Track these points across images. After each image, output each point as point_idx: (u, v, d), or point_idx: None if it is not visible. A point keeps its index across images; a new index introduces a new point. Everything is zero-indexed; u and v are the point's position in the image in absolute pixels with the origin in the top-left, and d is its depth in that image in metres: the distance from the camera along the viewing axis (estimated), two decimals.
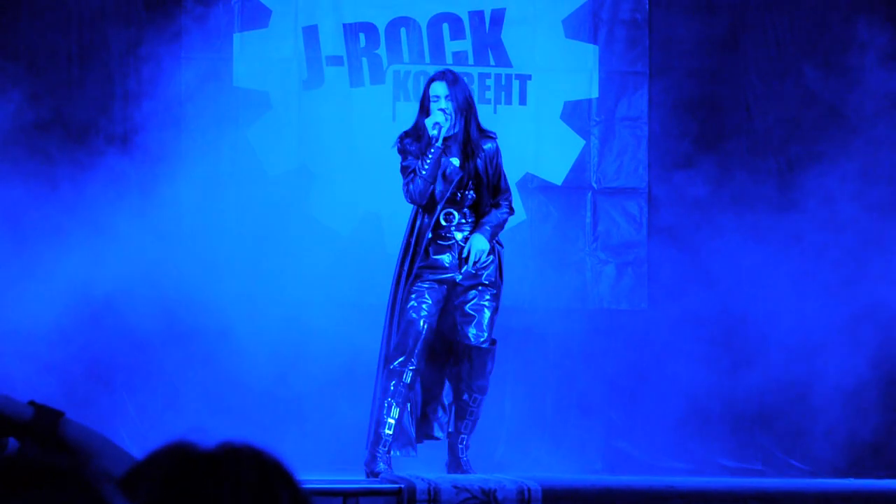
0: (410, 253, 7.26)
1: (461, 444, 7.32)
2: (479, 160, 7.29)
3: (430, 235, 7.25)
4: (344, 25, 8.89)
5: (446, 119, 7.17)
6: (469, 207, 7.34)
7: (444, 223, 7.29)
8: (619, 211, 9.04)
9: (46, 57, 8.60)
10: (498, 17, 9.05)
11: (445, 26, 8.95)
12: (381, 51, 8.90)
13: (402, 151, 7.28)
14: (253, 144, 8.71)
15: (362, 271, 8.51)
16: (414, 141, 7.28)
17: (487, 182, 7.31)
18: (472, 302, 7.31)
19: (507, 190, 7.42)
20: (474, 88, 8.47)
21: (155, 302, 8.19)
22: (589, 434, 8.66)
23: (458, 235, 7.31)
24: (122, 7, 8.63)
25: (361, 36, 8.89)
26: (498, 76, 9.02)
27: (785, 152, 9.00)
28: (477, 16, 9.03)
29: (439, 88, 7.25)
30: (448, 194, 7.24)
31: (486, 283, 7.32)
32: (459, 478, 6.81)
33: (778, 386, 8.75)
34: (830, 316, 8.58)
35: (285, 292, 8.48)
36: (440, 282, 7.29)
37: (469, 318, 7.29)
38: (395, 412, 7.20)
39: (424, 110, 7.29)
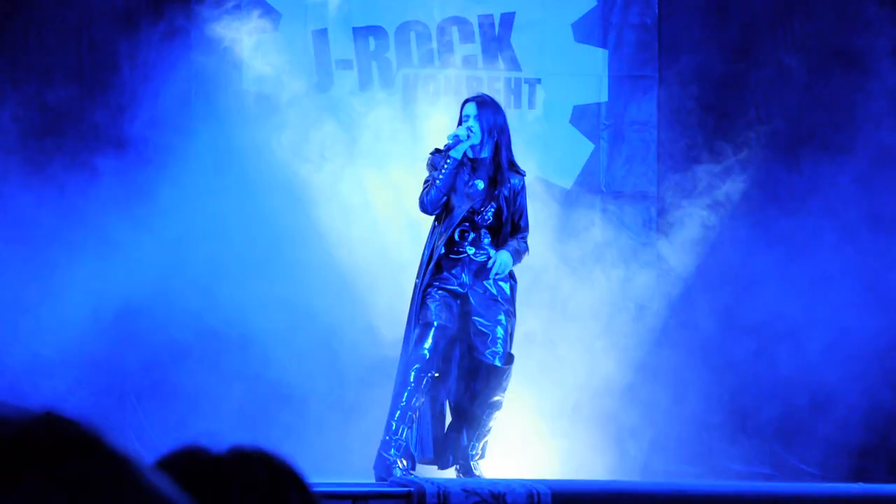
0: (425, 263, 7.31)
1: (472, 451, 7.33)
2: (504, 188, 7.34)
3: (443, 250, 7.30)
4: (353, 29, 8.89)
5: (467, 135, 7.25)
6: (485, 228, 7.37)
7: (457, 239, 7.34)
8: (628, 214, 9.03)
9: (54, 61, 8.61)
10: (507, 21, 9.05)
11: (455, 30, 8.95)
12: (391, 54, 8.91)
13: (430, 166, 7.38)
14: (262, 148, 8.71)
15: (370, 275, 8.51)
16: (441, 158, 7.36)
17: (509, 215, 7.36)
18: (486, 317, 7.32)
19: (527, 228, 7.48)
20: (482, 91, 8.47)
21: (165, 309, 8.19)
22: (599, 437, 8.65)
23: (471, 251, 7.34)
24: (131, 11, 8.63)
25: (371, 39, 8.89)
26: (507, 80, 9.02)
27: (795, 155, 8.99)
28: (486, 19, 9.04)
29: (469, 108, 7.39)
30: (465, 212, 7.29)
31: (501, 300, 7.34)
32: (469, 481, 6.81)
33: (789, 389, 8.74)
34: (842, 318, 8.57)
35: (292, 296, 8.47)
36: (453, 294, 7.32)
37: (483, 336, 7.31)
38: (407, 419, 7.21)
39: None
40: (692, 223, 8.82)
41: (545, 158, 8.87)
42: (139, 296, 8.11)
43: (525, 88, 9.04)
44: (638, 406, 8.74)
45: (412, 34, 8.94)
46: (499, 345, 7.30)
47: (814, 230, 8.71)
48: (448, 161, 7.25)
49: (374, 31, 8.90)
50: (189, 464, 1.47)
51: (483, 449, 7.35)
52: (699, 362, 8.63)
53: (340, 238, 8.64)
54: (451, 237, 7.33)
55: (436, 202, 7.27)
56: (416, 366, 7.20)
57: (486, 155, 7.36)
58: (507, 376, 7.32)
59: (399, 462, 7.19)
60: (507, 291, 7.39)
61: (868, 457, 8.71)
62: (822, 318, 8.60)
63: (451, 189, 7.26)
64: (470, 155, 7.35)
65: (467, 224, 7.34)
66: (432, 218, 7.41)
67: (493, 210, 7.36)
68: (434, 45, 8.96)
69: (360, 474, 7.34)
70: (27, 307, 8.15)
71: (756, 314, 8.73)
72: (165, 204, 8.31)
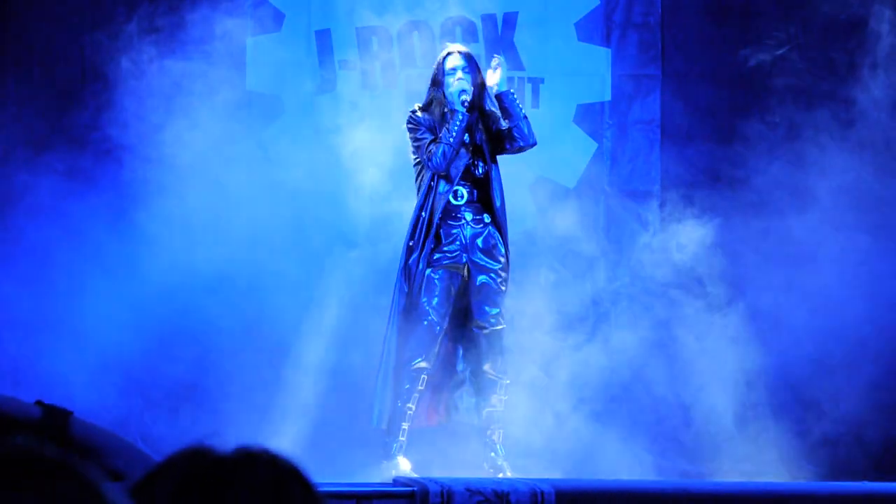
0: (423, 228, 7.25)
1: (496, 437, 7.33)
2: (489, 131, 7.35)
3: (440, 216, 7.26)
4: (356, 29, 8.90)
5: (470, 87, 7.25)
6: (479, 181, 7.34)
7: (454, 201, 7.31)
8: (632, 213, 9.03)
9: (56, 63, 8.62)
10: (510, 21, 9.05)
11: (458, 30, 8.95)
12: (394, 55, 8.91)
13: (414, 124, 7.31)
14: (265, 147, 8.72)
15: (377, 276, 8.51)
16: (427, 115, 7.31)
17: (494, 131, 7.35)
18: (484, 289, 7.30)
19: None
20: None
21: (174, 309, 8.21)
22: (604, 437, 8.65)
23: (468, 216, 7.32)
24: (134, 13, 8.64)
25: (374, 40, 8.89)
26: (510, 80, 9.02)
27: (800, 154, 8.98)
28: (489, 19, 9.04)
29: (458, 60, 7.32)
30: (463, 168, 7.27)
31: (496, 267, 7.32)
32: (472, 480, 6.81)
33: (797, 387, 8.75)
34: (853, 317, 8.58)
35: (297, 297, 8.47)
36: (450, 268, 7.28)
37: (481, 304, 7.29)
38: (408, 415, 7.23)
39: (438, 83, 7.34)
40: (696, 222, 8.81)
41: (549, 158, 8.86)
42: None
43: (528, 88, 9.04)
44: (643, 404, 8.74)
45: (415, 34, 8.94)
46: (497, 310, 7.30)
47: (822, 229, 8.70)
48: (460, 117, 7.21)
49: (378, 31, 8.90)
50: (194, 464, 1.48)
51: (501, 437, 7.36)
52: (707, 358, 8.62)
53: (344, 239, 8.64)
54: (449, 200, 7.29)
55: (449, 158, 7.23)
56: (418, 360, 7.20)
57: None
58: (501, 340, 7.34)
59: (402, 461, 7.20)
60: (501, 248, 7.34)
61: (879, 456, 8.70)
62: (836, 316, 8.60)
63: (461, 145, 7.25)
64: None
65: (461, 179, 7.32)
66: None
67: (481, 160, 7.34)
68: (437, 44, 8.96)
69: (364, 473, 7.35)
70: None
71: (761, 312, 8.72)
72: (167, 205, 8.32)
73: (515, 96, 7.45)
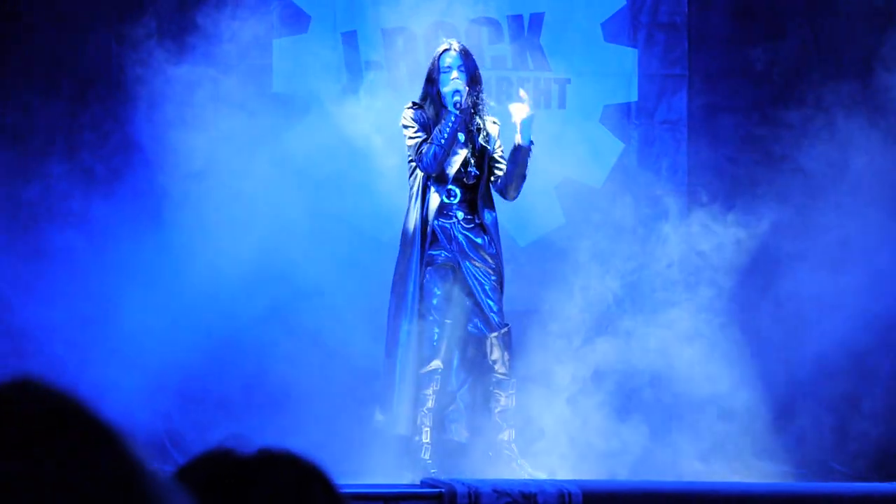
0: (418, 237, 7.23)
1: (506, 437, 7.32)
2: (484, 134, 7.30)
3: (435, 214, 7.23)
4: (382, 30, 8.90)
5: (465, 87, 7.18)
6: (471, 185, 7.32)
7: (446, 200, 7.28)
8: (659, 213, 9.01)
9: (81, 63, 8.65)
10: (536, 21, 9.04)
11: (484, 31, 8.94)
12: (420, 56, 8.91)
13: (409, 122, 7.27)
14: (292, 150, 8.72)
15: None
16: (421, 112, 7.28)
17: (489, 157, 7.31)
18: (480, 289, 7.28)
19: None
20: (513, 92, 8.46)
21: (195, 313, 8.22)
22: (629, 437, 8.63)
23: (459, 215, 7.30)
24: (159, 14, 8.66)
25: (400, 41, 8.89)
26: (537, 80, 9.01)
27: (825, 154, 8.96)
28: (516, 20, 9.03)
29: (451, 59, 7.26)
30: (456, 170, 7.23)
31: (489, 265, 7.29)
32: (500, 482, 6.81)
33: (818, 387, 8.72)
34: (875, 316, 8.55)
35: (323, 300, 8.47)
36: (446, 266, 7.26)
37: (479, 308, 7.27)
38: (429, 421, 7.24)
39: (432, 81, 7.30)
40: (724, 220, 8.79)
41: (575, 158, 8.85)
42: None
43: (555, 88, 9.03)
44: (668, 403, 8.72)
45: (441, 35, 8.93)
46: (496, 312, 7.28)
47: (853, 225, 8.67)
48: (453, 118, 7.15)
49: (404, 32, 8.90)
50: (216, 466, 1.48)
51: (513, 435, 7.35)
52: (729, 358, 8.60)
53: (370, 240, 8.64)
54: (441, 200, 7.26)
55: (441, 160, 7.18)
56: (433, 364, 7.19)
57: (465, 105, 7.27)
58: (508, 340, 7.31)
59: (429, 462, 7.20)
60: (492, 247, 7.31)
61: None
62: (859, 315, 8.57)
63: (453, 146, 7.17)
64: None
65: (454, 181, 7.30)
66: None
67: (473, 164, 7.30)
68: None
69: (391, 475, 7.35)
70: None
71: (787, 311, 8.70)
72: (193, 207, 8.33)
73: (530, 155, 7.35)
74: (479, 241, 7.27)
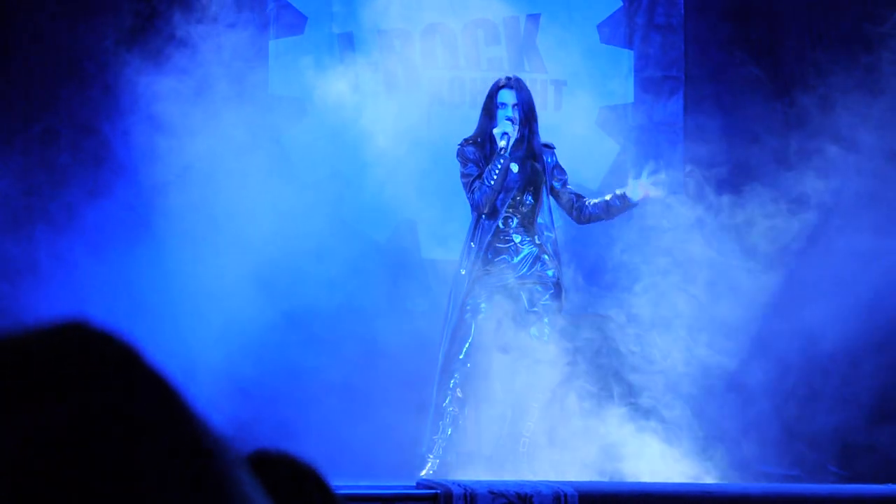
0: (471, 259, 7.28)
1: (524, 435, 7.36)
2: (538, 165, 7.35)
3: (489, 239, 7.28)
4: (379, 32, 8.90)
5: (514, 128, 7.19)
6: (527, 212, 7.36)
7: (502, 227, 7.33)
8: (656, 215, 9.01)
9: (78, 64, 8.65)
10: (533, 23, 9.05)
11: (480, 32, 8.95)
12: (416, 57, 8.91)
13: (463, 158, 7.31)
14: (288, 151, 8.73)
15: (398, 278, 8.51)
16: (476, 148, 7.30)
17: (555, 187, 7.38)
18: (533, 304, 7.31)
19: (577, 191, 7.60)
20: None
21: (195, 307, 8.22)
22: (626, 437, 8.63)
23: (517, 238, 7.34)
24: (157, 16, 8.66)
25: (396, 42, 8.90)
26: (533, 82, 9.02)
27: (822, 156, 8.96)
28: (512, 22, 9.03)
29: (508, 96, 7.28)
30: (508, 201, 7.28)
31: (545, 284, 7.33)
32: (496, 483, 6.81)
33: (820, 391, 8.72)
34: (873, 322, 8.55)
35: (320, 299, 8.48)
36: (499, 287, 7.30)
37: (530, 322, 7.30)
38: (446, 429, 7.25)
39: (490, 115, 7.31)
40: (720, 223, 8.79)
41: (571, 160, 8.84)
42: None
43: (551, 90, 9.04)
44: (675, 404, 8.72)
45: (437, 37, 8.94)
46: (546, 329, 7.32)
47: (845, 230, 8.67)
48: (501, 161, 7.20)
49: (400, 33, 8.90)
50: None
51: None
52: (729, 361, 8.60)
53: (367, 241, 8.64)
54: (497, 226, 7.32)
55: (490, 201, 7.24)
56: (456, 374, 7.23)
57: (518, 136, 7.31)
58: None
59: (432, 462, 7.23)
60: (553, 272, 7.36)
61: None
62: (856, 319, 8.57)
63: (502, 187, 7.23)
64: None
65: (510, 210, 7.35)
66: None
67: (530, 194, 7.35)
68: (459, 47, 8.96)
69: (387, 475, 7.35)
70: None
71: (787, 314, 8.70)
72: (190, 207, 8.33)
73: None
74: (535, 264, 7.32)
